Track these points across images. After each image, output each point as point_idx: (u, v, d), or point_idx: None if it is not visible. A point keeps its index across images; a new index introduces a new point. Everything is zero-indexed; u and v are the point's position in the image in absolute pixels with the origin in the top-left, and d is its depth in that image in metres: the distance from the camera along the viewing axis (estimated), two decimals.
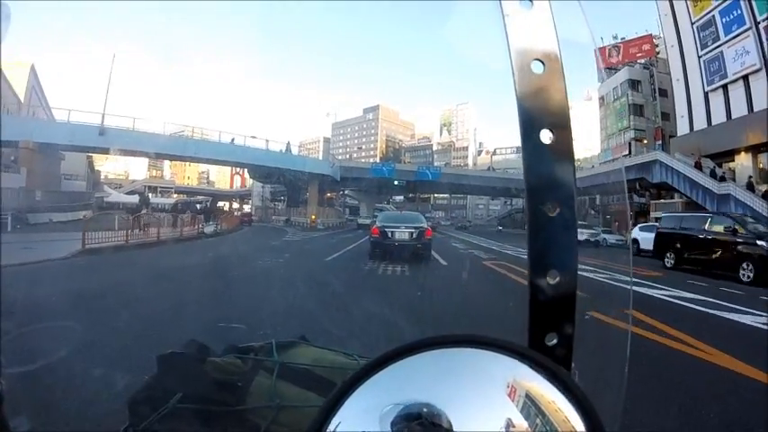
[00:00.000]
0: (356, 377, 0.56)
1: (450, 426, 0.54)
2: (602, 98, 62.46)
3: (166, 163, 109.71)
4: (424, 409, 0.55)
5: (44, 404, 3.25)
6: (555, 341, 0.69)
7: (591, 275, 11.51)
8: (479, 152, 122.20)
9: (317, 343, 1.35)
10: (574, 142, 0.72)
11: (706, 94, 40.93)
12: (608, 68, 63.02)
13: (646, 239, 24.79)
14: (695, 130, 42.03)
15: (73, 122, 36.80)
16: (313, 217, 49.22)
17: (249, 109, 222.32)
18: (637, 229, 27.58)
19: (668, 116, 53.03)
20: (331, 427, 0.54)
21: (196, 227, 27.11)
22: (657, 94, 55.41)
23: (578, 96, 79.71)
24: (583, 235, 28.40)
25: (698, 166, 34.27)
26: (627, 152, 54.80)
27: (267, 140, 52.28)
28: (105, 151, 41.14)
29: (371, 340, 4.79)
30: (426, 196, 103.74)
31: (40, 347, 4.02)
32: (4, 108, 37.92)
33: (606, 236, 33.61)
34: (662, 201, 40.94)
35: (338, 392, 0.55)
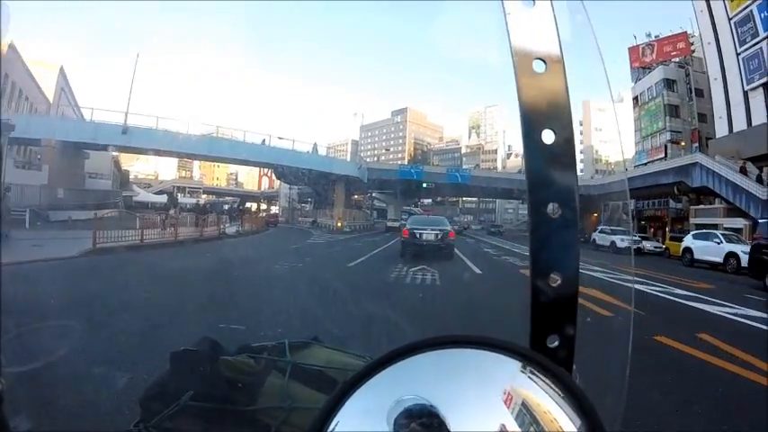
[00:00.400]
0: (358, 377, 0.57)
1: (451, 426, 0.54)
2: (635, 98, 60.61)
3: (195, 164, 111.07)
4: (426, 410, 0.55)
5: (44, 403, 3.30)
6: (556, 343, 0.70)
7: (643, 288, 11.01)
8: (508, 155, 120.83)
9: (329, 344, 1.33)
10: (576, 143, 0.73)
11: (745, 94, 39.07)
12: (641, 68, 61.24)
13: (701, 249, 24.12)
14: (734, 131, 40.33)
15: (96, 121, 37.62)
16: (339, 219, 47.66)
17: (277, 111, 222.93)
18: (690, 237, 26.49)
19: (705, 117, 51.10)
20: (332, 426, 0.54)
21: (219, 227, 27.14)
22: (694, 95, 53.27)
23: (597, 97, 77.86)
24: (624, 242, 28.76)
25: (743, 171, 33.48)
26: (663, 155, 53.57)
27: (294, 141, 51.35)
28: (128, 150, 40.63)
29: (385, 346, 3.90)
30: (455, 199, 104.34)
31: (40, 347, 4.08)
32: (33, 108, 39.62)
33: (644, 243, 33.17)
34: (702, 206, 39.58)
35: (339, 392, 0.56)
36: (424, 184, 62.64)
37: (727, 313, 9.22)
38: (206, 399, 1.05)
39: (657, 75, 56.14)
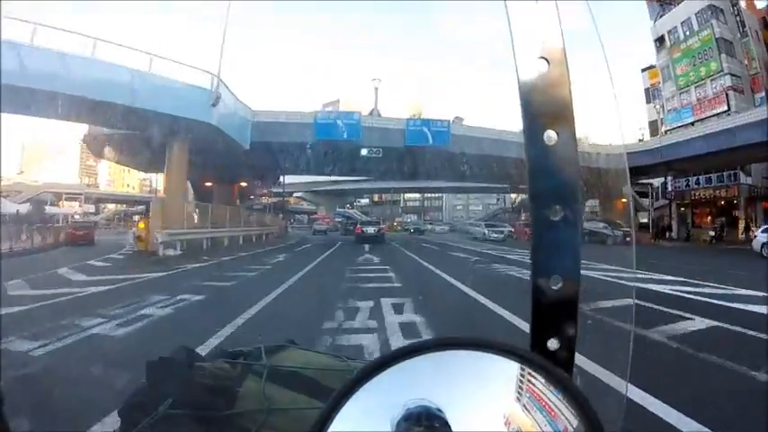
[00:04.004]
0: (357, 378, 0.58)
1: (452, 428, 0.57)
2: (659, 39, 45.71)
3: (103, 169, 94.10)
4: (426, 412, 0.57)
5: (44, 404, 3.22)
6: (557, 345, 0.75)
7: None
8: None
9: (305, 346, 1.38)
10: (578, 143, 0.75)
11: None
12: (660, 3, 46.01)
13: None
14: None
15: None
16: (141, 227, 24.21)
17: None
18: None
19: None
20: (332, 428, 0.56)
21: None
22: (748, 29, 39.13)
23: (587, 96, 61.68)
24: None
25: None
26: (725, 106, 38.57)
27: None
28: None
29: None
30: (396, 198, 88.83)
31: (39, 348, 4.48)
32: None
33: None
34: None
35: (339, 394, 0.58)
36: (364, 151, 40.19)
37: None
38: (185, 406, 1.04)
39: (697, 3, 41.75)
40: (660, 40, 47.16)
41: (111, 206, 75.94)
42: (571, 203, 0.72)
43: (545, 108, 0.72)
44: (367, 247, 27.99)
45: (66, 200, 69.87)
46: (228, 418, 1.05)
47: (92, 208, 62.94)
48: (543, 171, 0.72)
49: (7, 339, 5.27)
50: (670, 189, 42.96)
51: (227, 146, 31.89)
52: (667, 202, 43.94)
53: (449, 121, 41.52)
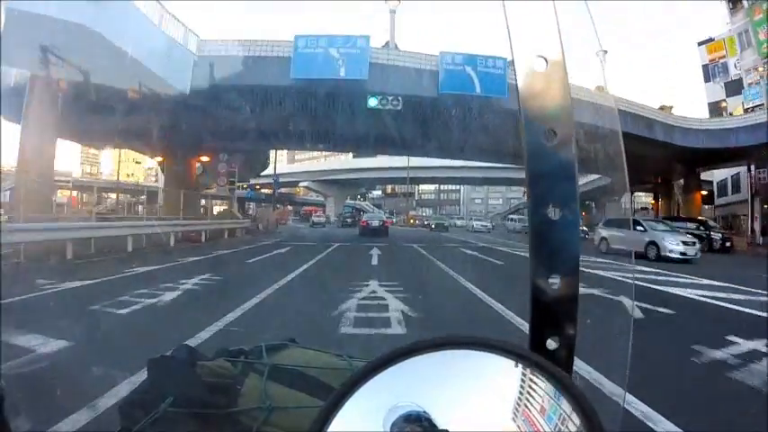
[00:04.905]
0: (356, 378, 0.60)
1: (451, 428, 0.57)
2: None
3: (106, 158, 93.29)
4: (425, 411, 0.58)
5: (44, 404, 3.08)
6: (556, 344, 0.78)
7: None
8: None
9: (306, 345, 1.37)
10: (576, 143, 0.78)
11: None
12: None
13: None
14: None
15: None
16: None
17: None
18: None
19: None
20: (331, 427, 0.57)
21: None
22: None
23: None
24: None
25: None
26: None
27: None
28: None
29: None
30: (411, 192, 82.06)
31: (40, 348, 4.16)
32: None
33: None
34: None
35: (339, 393, 0.59)
36: (373, 101, 25.06)
37: None
38: (186, 404, 1.04)
39: None
40: (734, 0, 42.98)
41: (114, 196, 70.44)
42: (569, 202, 0.73)
43: (543, 107, 0.72)
44: (375, 257, 17.57)
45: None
46: (229, 416, 1.04)
47: (93, 197, 56.15)
48: (541, 170, 0.73)
49: None
50: (753, 181, 36.23)
51: (143, 84, 19.14)
52: (747, 197, 36.82)
53: (505, 59, 23.66)
